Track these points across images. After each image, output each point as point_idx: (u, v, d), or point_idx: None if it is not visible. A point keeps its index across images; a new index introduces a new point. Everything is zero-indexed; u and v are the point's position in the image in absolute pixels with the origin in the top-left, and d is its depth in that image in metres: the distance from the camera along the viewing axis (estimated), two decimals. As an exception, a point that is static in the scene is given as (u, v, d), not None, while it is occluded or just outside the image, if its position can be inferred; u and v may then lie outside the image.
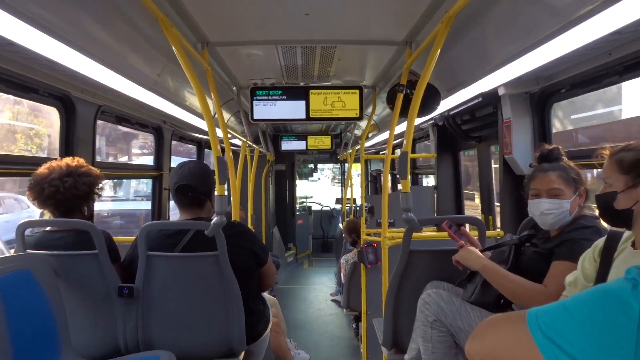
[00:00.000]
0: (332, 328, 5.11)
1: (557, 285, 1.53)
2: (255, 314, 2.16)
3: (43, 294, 1.75)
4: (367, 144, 6.19)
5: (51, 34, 1.55)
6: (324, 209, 10.57)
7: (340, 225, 8.10)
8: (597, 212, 1.42)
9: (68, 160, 2.01)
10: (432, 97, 2.67)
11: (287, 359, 3.15)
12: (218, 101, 2.52)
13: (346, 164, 9.04)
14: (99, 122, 2.74)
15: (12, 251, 1.94)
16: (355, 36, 2.42)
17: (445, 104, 2.89)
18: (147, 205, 8.60)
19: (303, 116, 3.10)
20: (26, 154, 8.47)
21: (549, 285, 1.60)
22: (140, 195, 9.65)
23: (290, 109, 3.10)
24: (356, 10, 2.06)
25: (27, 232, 1.95)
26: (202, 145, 4.99)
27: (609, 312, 0.62)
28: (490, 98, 2.56)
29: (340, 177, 11.23)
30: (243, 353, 2.08)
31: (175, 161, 3.84)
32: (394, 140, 3.28)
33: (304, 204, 10.86)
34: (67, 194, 1.92)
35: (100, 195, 2.10)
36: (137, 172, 4.40)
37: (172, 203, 3.32)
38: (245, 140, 4.33)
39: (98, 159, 2.79)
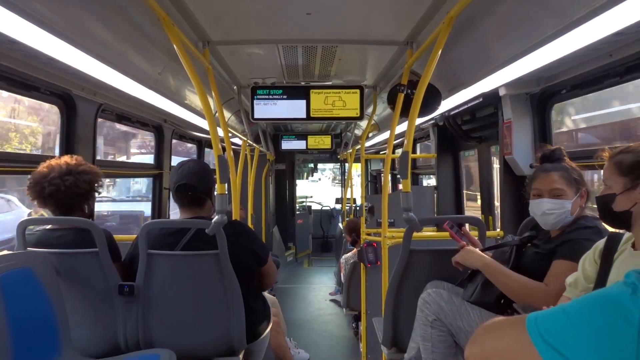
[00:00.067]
0: (332, 327, 5.12)
1: (558, 284, 1.53)
2: (256, 312, 2.16)
3: (44, 292, 1.75)
4: (368, 143, 6.20)
5: (52, 31, 1.55)
6: (324, 208, 10.58)
7: (340, 225, 8.11)
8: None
9: (67, 158, 2.00)
10: (432, 97, 2.67)
11: (287, 358, 3.15)
12: (219, 100, 2.52)
13: (346, 164, 9.04)
14: (98, 120, 2.74)
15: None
16: (356, 36, 2.42)
17: (446, 104, 2.89)
18: (139, 206, 8.44)
19: (303, 115, 3.10)
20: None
21: (550, 284, 1.60)
22: (136, 195, 9.34)
23: (290, 109, 3.10)
24: (357, 10, 2.06)
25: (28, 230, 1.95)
26: (202, 144, 4.99)
27: (608, 317, 0.62)
28: (491, 98, 2.56)
29: (340, 178, 11.23)
30: (243, 352, 2.08)
31: (174, 161, 3.84)
32: (394, 140, 3.28)
33: (304, 204, 10.87)
34: (69, 193, 1.92)
35: (100, 193, 2.10)
36: (137, 170, 4.40)
37: (171, 201, 3.33)
38: (245, 139, 4.34)
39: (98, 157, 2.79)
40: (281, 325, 3.17)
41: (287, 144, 7.07)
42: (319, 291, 6.75)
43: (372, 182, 8.22)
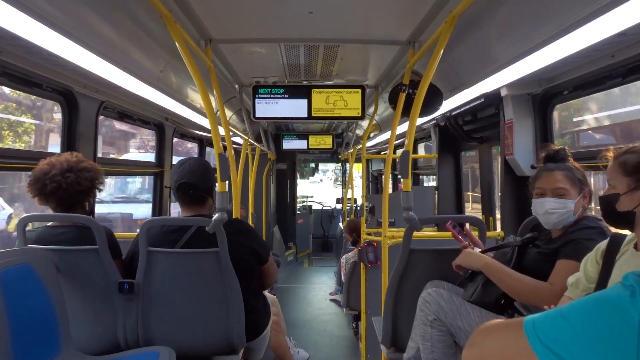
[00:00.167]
0: (332, 327, 5.11)
1: (563, 283, 1.53)
2: (257, 311, 2.16)
3: (43, 289, 1.75)
4: (369, 143, 6.19)
5: (55, 28, 1.55)
6: (324, 208, 10.58)
7: (340, 224, 8.10)
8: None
9: (67, 155, 2.00)
10: (434, 98, 2.67)
11: (287, 357, 3.15)
12: (220, 98, 2.52)
13: (347, 164, 9.03)
14: (99, 118, 2.74)
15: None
16: (358, 35, 2.42)
17: (447, 105, 2.89)
18: (128, 208, 8.22)
19: (305, 115, 3.10)
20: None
21: (555, 283, 1.60)
22: (126, 197, 8.95)
23: (292, 108, 3.10)
24: (360, 10, 2.06)
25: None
26: (203, 143, 4.99)
27: (608, 320, 0.61)
28: (493, 99, 2.56)
29: (342, 179, 11.23)
30: (243, 350, 2.08)
31: (174, 160, 3.84)
32: (396, 141, 3.28)
33: (305, 204, 10.87)
34: (70, 190, 1.92)
35: (101, 190, 2.10)
36: (138, 168, 4.40)
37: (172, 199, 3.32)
38: (246, 138, 4.34)
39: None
40: (281, 324, 3.17)
41: (289, 144, 7.07)
42: (319, 291, 6.75)
43: (373, 182, 8.22)
